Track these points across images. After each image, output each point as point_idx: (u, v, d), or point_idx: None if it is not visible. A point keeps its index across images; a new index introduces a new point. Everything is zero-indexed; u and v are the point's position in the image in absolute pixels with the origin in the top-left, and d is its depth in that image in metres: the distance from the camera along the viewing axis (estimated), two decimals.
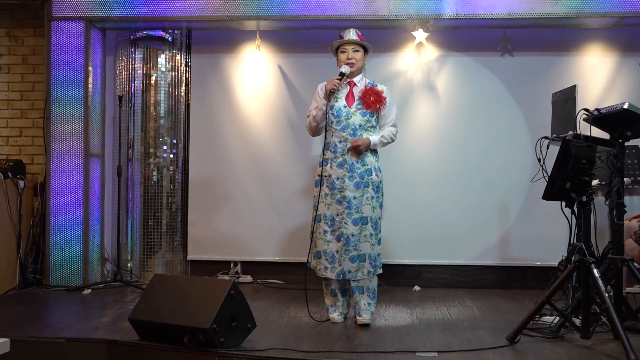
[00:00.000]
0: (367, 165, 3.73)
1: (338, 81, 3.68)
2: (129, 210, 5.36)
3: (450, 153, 5.30)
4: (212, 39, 5.43)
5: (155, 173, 5.37)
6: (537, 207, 4.99)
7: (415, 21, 5.06)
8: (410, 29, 5.24)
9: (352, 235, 3.65)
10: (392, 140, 3.88)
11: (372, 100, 3.74)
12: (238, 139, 5.42)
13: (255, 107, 5.44)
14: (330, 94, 3.64)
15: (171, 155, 5.43)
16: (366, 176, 3.71)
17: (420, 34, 5.25)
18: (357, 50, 3.78)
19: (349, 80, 3.80)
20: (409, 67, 5.38)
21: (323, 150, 3.77)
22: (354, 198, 3.67)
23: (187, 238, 5.44)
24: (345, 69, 3.72)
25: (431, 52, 5.36)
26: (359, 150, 3.69)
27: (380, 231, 3.77)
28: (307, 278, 3.73)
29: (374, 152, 3.78)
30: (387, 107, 3.81)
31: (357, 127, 3.74)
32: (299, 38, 5.35)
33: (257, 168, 5.39)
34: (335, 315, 3.79)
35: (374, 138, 3.75)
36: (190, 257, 5.44)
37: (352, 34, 3.80)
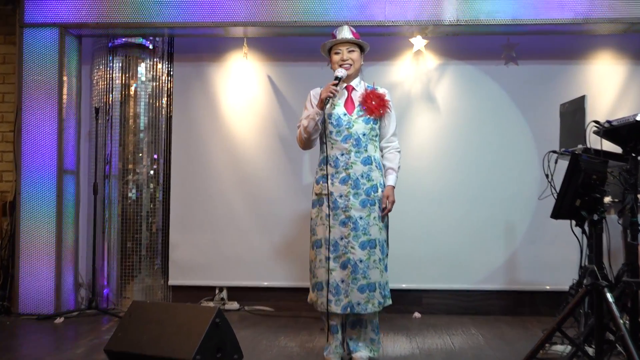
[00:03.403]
0: (373, 180, 3.60)
1: (335, 87, 3.49)
2: (106, 231, 5.34)
3: (451, 168, 5.30)
4: (196, 46, 5.44)
5: (134, 191, 5.35)
6: (546, 227, 4.99)
7: (413, 27, 5.07)
8: (407, 35, 5.26)
9: (360, 261, 3.47)
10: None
11: (375, 105, 3.61)
12: (224, 153, 5.42)
13: (243, 119, 5.45)
14: (326, 103, 3.48)
15: (151, 172, 5.42)
16: (372, 193, 3.57)
17: (418, 41, 5.27)
18: (353, 50, 3.64)
19: (345, 84, 3.68)
20: (406, 77, 5.39)
21: (322, 165, 3.63)
22: (360, 218, 3.51)
23: (169, 261, 5.41)
24: (340, 72, 3.55)
25: (430, 60, 5.38)
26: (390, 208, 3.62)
27: (387, 256, 3.65)
28: (301, 305, 3.64)
29: (379, 166, 3.65)
30: (391, 114, 3.73)
31: (361, 136, 3.59)
32: (289, 45, 5.36)
33: (245, 185, 5.38)
34: (332, 357, 3.59)
35: (392, 180, 3.67)
36: (171, 282, 5.41)
37: (345, 32, 3.62)
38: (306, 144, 3.69)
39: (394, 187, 3.62)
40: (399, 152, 3.72)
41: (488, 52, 5.29)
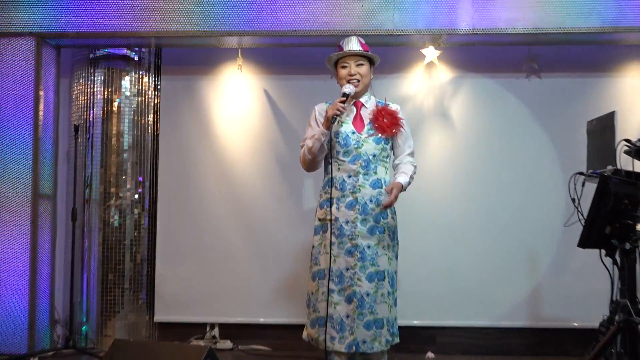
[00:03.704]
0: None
1: (342, 105, 3.52)
2: (85, 261, 5.32)
3: (467, 192, 5.29)
4: (186, 58, 5.46)
5: (117, 217, 5.34)
6: (573, 257, 5.01)
7: (424, 37, 5.07)
8: (419, 46, 5.26)
9: (367, 294, 3.49)
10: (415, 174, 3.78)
11: (387, 123, 3.65)
12: (217, 176, 5.41)
13: (238, 138, 5.45)
14: (332, 122, 3.51)
15: (136, 196, 5.42)
16: (382, 219, 3.60)
17: (430, 52, 5.26)
18: (361, 64, 3.69)
19: (354, 100, 3.70)
20: (418, 91, 5.38)
21: (326, 188, 3.65)
22: (368, 247, 3.53)
23: (154, 296, 5.38)
24: (349, 88, 3.58)
25: (444, 73, 5.38)
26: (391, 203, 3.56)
27: (396, 289, 3.65)
28: (301, 344, 3.61)
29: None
30: (404, 133, 3.74)
31: (371, 157, 3.62)
32: (289, 57, 5.37)
33: (239, 211, 5.37)
34: None
35: (403, 179, 3.62)
36: (157, 318, 5.38)
37: (354, 44, 3.69)
38: (311, 165, 3.72)
39: (403, 186, 3.57)
40: (415, 166, 3.72)
41: (508, 64, 5.30)
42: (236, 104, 5.47)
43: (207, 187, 5.42)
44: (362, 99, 3.73)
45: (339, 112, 3.50)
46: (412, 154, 3.75)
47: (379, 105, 3.72)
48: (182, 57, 5.47)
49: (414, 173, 3.71)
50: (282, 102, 5.44)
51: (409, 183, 3.64)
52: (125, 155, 5.39)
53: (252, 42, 5.26)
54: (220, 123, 5.47)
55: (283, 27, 4.95)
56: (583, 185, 3.73)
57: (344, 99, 3.54)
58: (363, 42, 3.73)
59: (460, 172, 5.33)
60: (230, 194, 5.40)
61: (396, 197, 3.53)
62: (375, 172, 3.63)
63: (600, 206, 3.26)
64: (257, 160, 5.42)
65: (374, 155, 3.63)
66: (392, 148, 3.75)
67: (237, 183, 5.41)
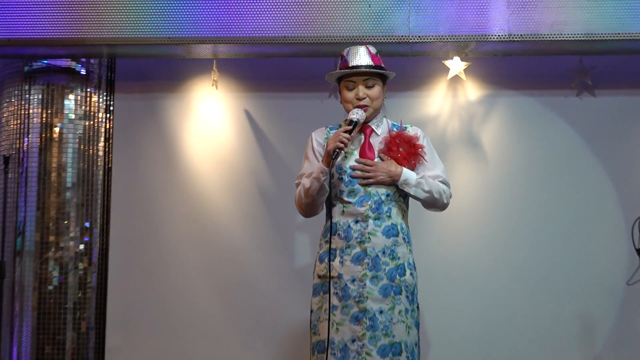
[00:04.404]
0: (399, 258, 3.57)
1: (347, 136, 3.46)
2: (15, 330, 5.24)
3: (503, 239, 5.26)
4: (146, 72, 5.49)
5: (56, 273, 5.26)
6: (639, 323, 5.02)
7: (448, 44, 5.01)
8: (441, 56, 5.24)
9: None
10: (441, 202, 3.68)
11: (404, 154, 3.61)
12: (185, 220, 5.38)
13: (212, 172, 5.43)
14: (334, 157, 3.45)
15: (82, 247, 5.35)
16: (397, 277, 3.53)
17: (455, 64, 5.25)
18: (373, 84, 3.64)
19: (362, 124, 3.64)
20: (439, 113, 5.37)
21: (327, 236, 3.61)
22: (381, 312, 3.46)
23: None
24: (357, 114, 3.52)
25: (473, 90, 5.37)
26: (376, 181, 3.52)
27: None
28: None
29: (407, 238, 3.65)
30: (428, 160, 3.70)
31: (384, 197, 3.57)
32: (277, 70, 5.39)
33: (214, 266, 5.33)
34: None
35: (409, 173, 3.57)
36: None
37: (362, 57, 3.63)
38: (309, 209, 3.70)
39: (406, 177, 3.55)
40: (445, 190, 3.69)
41: (553, 79, 5.30)
42: (210, 129, 5.46)
43: (173, 234, 5.40)
44: (373, 123, 3.69)
45: (342, 145, 3.45)
46: (444, 182, 3.70)
47: (394, 130, 3.68)
48: (141, 71, 5.49)
49: (441, 190, 3.65)
50: (268, 127, 5.43)
51: (421, 189, 3.59)
52: (68, 194, 5.34)
53: (230, 52, 5.25)
54: (190, 153, 5.45)
55: (269, 32, 4.94)
56: None
57: (350, 127, 3.49)
58: (374, 52, 3.67)
59: (493, 213, 5.30)
60: (202, 243, 5.37)
61: (385, 172, 3.53)
62: (389, 216, 3.58)
63: None
64: (237, 199, 5.39)
65: (388, 195, 3.58)
66: None
67: (211, 229, 5.38)
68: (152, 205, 5.42)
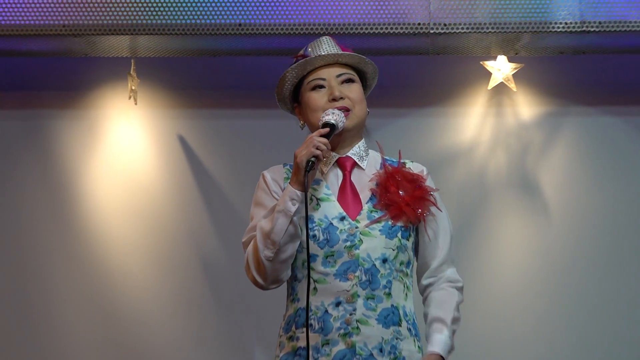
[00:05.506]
0: (403, 359, 2.96)
1: (324, 140, 2.84)
2: None
3: (568, 310, 4.73)
4: (26, 77, 4.89)
5: None
6: None
7: (489, 37, 4.37)
8: (478, 54, 4.61)
9: None
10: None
11: (407, 198, 3.05)
12: (85, 298, 4.76)
13: (125, 230, 4.81)
14: (308, 169, 2.85)
15: None
16: None
17: (501, 66, 4.56)
18: (350, 79, 2.97)
19: (337, 156, 3.02)
20: (476, 141, 4.79)
21: (291, 327, 2.98)
22: None
23: None
24: (335, 115, 2.88)
25: (526, 104, 4.74)
26: None
27: None
28: None
29: (414, 328, 2.94)
30: (438, 220, 3.06)
31: (379, 264, 2.96)
32: (227, 74, 4.83)
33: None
34: None
35: (443, 339, 2.90)
36: None
37: (326, 44, 2.99)
38: (271, 270, 2.99)
39: (443, 351, 2.95)
40: (460, 289, 3.08)
41: None
42: (124, 164, 4.81)
43: (69, 317, 4.75)
44: (352, 152, 3.02)
45: (318, 152, 2.81)
46: (451, 262, 3.07)
47: (389, 165, 3.03)
48: (18, 76, 4.87)
49: (458, 302, 3.06)
50: (211, 160, 4.78)
51: (452, 338, 3.00)
52: None
53: (157, 47, 4.59)
54: (93, 199, 4.81)
55: (214, 19, 4.35)
56: None
57: (326, 131, 2.83)
58: (337, 42, 3.10)
59: (555, 292, 4.76)
60: (110, 327, 4.74)
61: None
62: (389, 294, 2.95)
63: None
64: (166, 277, 4.73)
65: (384, 261, 2.94)
66: (414, 246, 3.08)
67: (120, 311, 4.76)
68: (33, 269, 4.78)
